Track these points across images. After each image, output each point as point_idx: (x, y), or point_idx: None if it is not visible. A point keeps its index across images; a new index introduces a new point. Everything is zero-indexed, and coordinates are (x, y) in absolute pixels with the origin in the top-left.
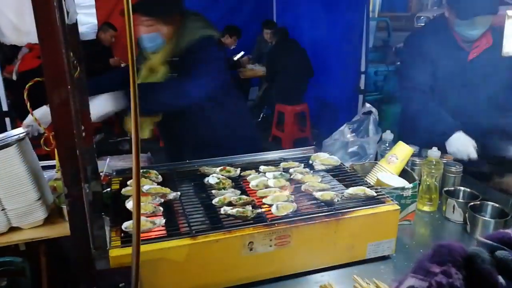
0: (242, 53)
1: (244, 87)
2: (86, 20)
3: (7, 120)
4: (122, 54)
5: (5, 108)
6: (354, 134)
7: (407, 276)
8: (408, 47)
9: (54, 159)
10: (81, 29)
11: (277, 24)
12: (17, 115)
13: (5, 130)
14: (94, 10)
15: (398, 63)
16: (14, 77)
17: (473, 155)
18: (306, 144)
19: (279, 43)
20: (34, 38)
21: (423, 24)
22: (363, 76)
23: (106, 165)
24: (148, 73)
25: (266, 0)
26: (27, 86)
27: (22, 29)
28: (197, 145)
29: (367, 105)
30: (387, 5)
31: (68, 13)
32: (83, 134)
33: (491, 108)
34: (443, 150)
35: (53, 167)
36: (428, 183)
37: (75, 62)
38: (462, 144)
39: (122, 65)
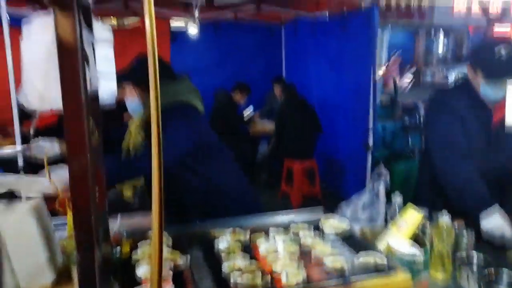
0: (251, 107)
1: (254, 142)
2: (106, 86)
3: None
4: None
5: (20, 163)
6: (364, 206)
7: None
8: (435, 106)
9: (60, 210)
10: (101, 94)
11: (286, 81)
12: (32, 171)
13: None
14: (114, 77)
15: (406, 118)
16: (32, 134)
17: (509, 235)
18: (315, 201)
19: (288, 100)
20: (56, 105)
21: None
22: (371, 133)
23: (117, 224)
24: (131, 136)
25: (275, 58)
26: (46, 153)
27: (46, 97)
28: (181, 208)
29: (382, 167)
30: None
31: (90, 80)
32: (97, 195)
33: None
34: (454, 214)
35: (63, 224)
36: (439, 249)
37: (93, 127)
38: (501, 224)
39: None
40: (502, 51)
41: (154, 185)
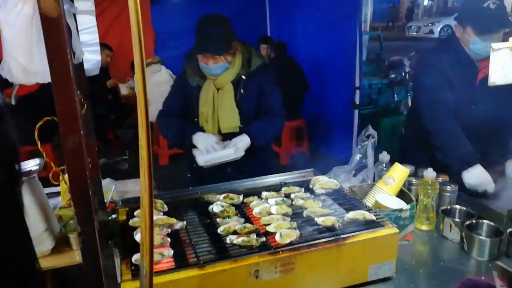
0: None
1: None
2: (90, 57)
3: None
4: (118, 75)
5: None
6: (355, 170)
7: None
8: (423, 66)
9: (54, 183)
10: (85, 65)
11: (273, 39)
12: (18, 140)
13: None
14: (98, 48)
15: (392, 75)
16: (13, 102)
17: (491, 190)
18: (303, 159)
19: (277, 58)
20: (42, 78)
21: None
22: (357, 91)
23: (112, 191)
24: (214, 91)
25: (260, 16)
26: (37, 126)
27: (30, 70)
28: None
29: (370, 128)
30: (379, 16)
31: (74, 53)
32: (90, 166)
33: (496, 128)
34: (439, 169)
35: (56, 193)
36: (425, 202)
37: (82, 100)
38: (483, 180)
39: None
40: (491, 5)
41: (143, 154)
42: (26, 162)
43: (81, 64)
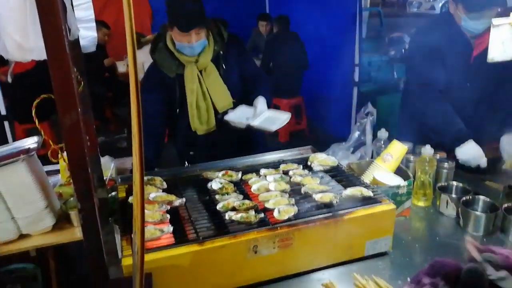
0: None
1: None
2: (86, 34)
3: (6, 123)
4: (115, 53)
5: (3, 112)
6: (354, 147)
7: (405, 284)
8: (416, 44)
9: (53, 160)
10: (81, 42)
11: (271, 16)
12: (15, 117)
13: (4, 134)
14: (93, 24)
15: (392, 52)
16: (9, 80)
17: (484, 165)
18: (302, 136)
19: (280, 32)
20: (37, 55)
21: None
22: (357, 68)
23: (111, 169)
24: (198, 74)
25: None
26: (34, 103)
27: (25, 47)
28: None
29: (369, 105)
30: None
31: (70, 30)
32: (88, 144)
33: (491, 105)
34: (437, 148)
35: (56, 171)
36: (422, 179)
37: (78, 77)
38: (475, 155)
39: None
40: None
41: (134, 131)
42: (25, 140)
43: (77, 40)
